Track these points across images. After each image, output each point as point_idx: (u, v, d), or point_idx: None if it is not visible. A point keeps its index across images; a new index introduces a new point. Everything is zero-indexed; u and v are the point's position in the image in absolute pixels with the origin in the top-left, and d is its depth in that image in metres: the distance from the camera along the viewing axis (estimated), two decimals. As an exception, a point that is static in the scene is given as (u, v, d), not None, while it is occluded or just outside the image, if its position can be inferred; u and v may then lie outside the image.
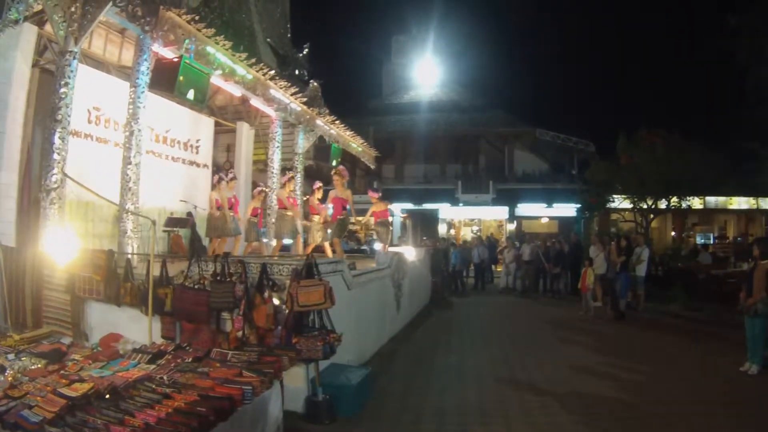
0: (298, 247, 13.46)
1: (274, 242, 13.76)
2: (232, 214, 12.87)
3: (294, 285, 6.97)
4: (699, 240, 35.58)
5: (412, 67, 47.23)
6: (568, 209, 36.10)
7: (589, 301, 16.58)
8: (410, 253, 15.78)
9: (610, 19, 66.72)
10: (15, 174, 9.69)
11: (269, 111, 14.82)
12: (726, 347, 11.51)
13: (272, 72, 12.92)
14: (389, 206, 14.45)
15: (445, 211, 38.57)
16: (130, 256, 8.61)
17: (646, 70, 62.35)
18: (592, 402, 8.05)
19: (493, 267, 27.07)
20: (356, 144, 20.44)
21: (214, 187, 13.06)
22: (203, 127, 16.20)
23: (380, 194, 14.21)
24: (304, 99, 15.21)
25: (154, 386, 5.35)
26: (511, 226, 37.69)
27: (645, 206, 27.52)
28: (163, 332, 7.59)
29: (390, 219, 15.22)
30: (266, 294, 7.10)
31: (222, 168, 17.13)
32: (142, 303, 7.63)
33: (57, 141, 8.31)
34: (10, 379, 5.41)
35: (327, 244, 12.54)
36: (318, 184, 13.49)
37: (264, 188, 14.27)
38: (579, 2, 71.21)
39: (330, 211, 12.57)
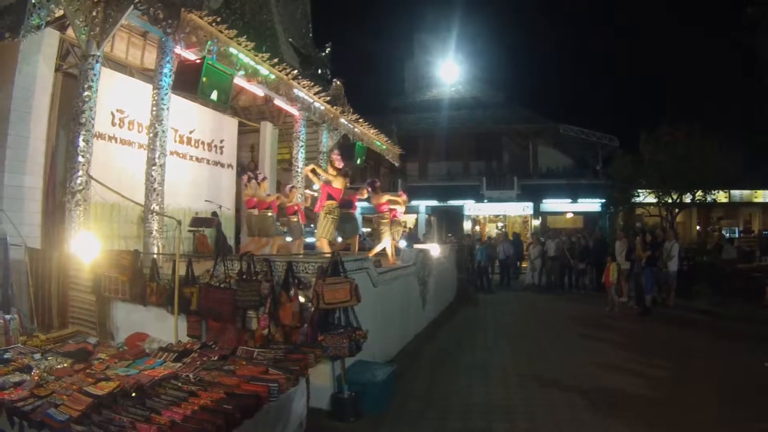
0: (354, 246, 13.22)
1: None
2: (270, 213, 12.88)
3: (320, 283, 6.97)
4: (724, 234, 35.34)
5: (434, 65, 47.20)
6: (592, 204, 36.04)
7: (613, 296, 16.45)
8: (435, 250, 15.75)
9: (631, 14, 66.17)
10: (39, 177, 9.80)
11: (293, 110, 14.89)
12: (751, 343, 11.38)
13: (295, 72, 12.98)
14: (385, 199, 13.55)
15: (469, 207, 38.57)
16: (155, 256, 8.67)
17: (669, 63, 61.81)
18: (618, 398, 7.97)
19: (517, 263, 26.91)
20: (380, 142, 20.46)
21: (245, 186, 13.04)
22: (227, 127, 16.27)
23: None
24: (328, 98, 15.27)
25: (180, 384, 5.39)
26: (536, 222, 37.62)
27: (670, 201, 27.37)
28: (188, 331, 7.63)
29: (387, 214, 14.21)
30: (292, 292, 7.11)
31: (248, 168, 17.22)
32: (167, 302, 7.69)
33: (81, 144, 8.39)
34: (36, 378, 5.45)
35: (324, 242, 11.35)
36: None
37: (295, 186, 14.34)
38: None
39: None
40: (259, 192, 12.61)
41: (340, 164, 10.92)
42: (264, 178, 13.11)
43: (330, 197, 10.85)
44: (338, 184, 10.81)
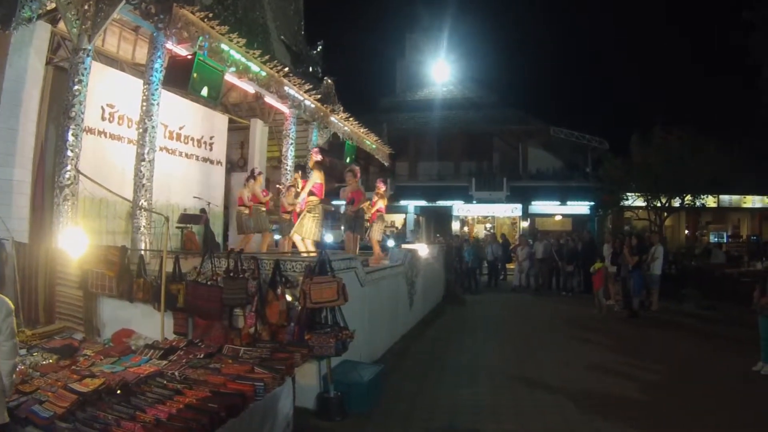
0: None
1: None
2: (263, 209, 12.86)
3: (307, 282, 6.96)
4: (712, 238, 35.50)
5: (426, 65, 47.15)
6: (581, 207, 36.20)
7: (601, 299, 16.52)
8: (423, 250, 15.75)
9: (624, 17, 66.40)
10: (28, 171, 9.71)
11: (283, 108, 14.85)
12: (739, 347, 11.42)
13: (286, 69, 12.96)
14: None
15: (458, 208, 38.63)
16: (143, 252, 8.65)
17: (659, 68, 62.02)
18: (606, 401, 8.00)
19: (505, 265, 26.94)
20: (370, 141, 20.45)
21: (245, 184, 12.99)
22: (217, 124, 16.21)
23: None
24: (318, 96, 15.25)
25: (165, 382, 5.38)
26: (525, 224, 37.72)
27: (659, 204, 27.47)
28: (175, 328, 7.61)
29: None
30: (279, 290, 7.11)
31: (237, 164, 17.23)
32: (154, 299, 7.67)
33: (70, 138, 8.35)
34: (21, 374, 5.42)
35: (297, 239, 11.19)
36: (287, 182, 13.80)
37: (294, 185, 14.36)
38: (593, 1, 70.87)
39: (343, 208, 12.45)
40: (255, 187, 12.63)
41: (317, 157, 10.70)
42: (259, 173, 13.12)
43: (311, 193, 10.64)
44: (317, 177, 10.61)
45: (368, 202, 12.76)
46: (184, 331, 7.58)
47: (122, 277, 7.92)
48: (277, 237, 14.54)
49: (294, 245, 11.15)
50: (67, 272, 8.34)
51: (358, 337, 7.51)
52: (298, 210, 11.33)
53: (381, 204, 13.10)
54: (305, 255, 9.72)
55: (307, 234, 10.53)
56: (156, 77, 9.40)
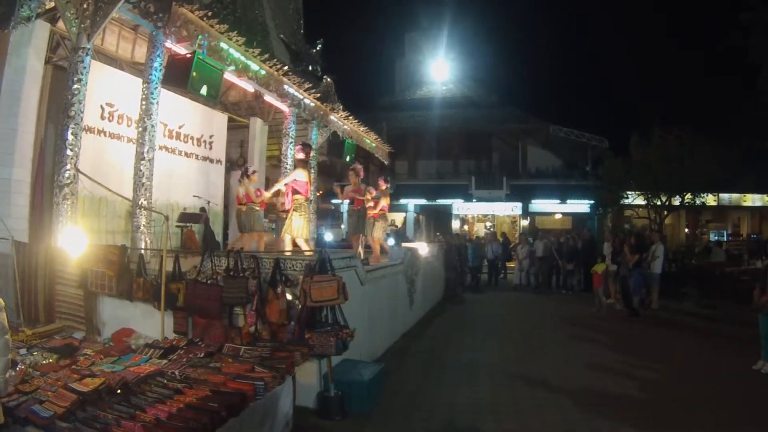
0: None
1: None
2: (257, 208, 12.78)
3: (307, 280, 6.94)
4: (712, 237, 35.50)
5: (425, 63, 47.12)
6: (581, 205, 36.15)
7: (601, 297, 16.51)
8: (423, 248, 15.74)
9: (624, 16, 66.35)
10: (27, 170, 9.68)
11: (283, 107, 14.82)
12: (739, 345, 11.41)
13: (285, 68, 12.92)
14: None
15: (458, 207, 38.62)
16: (143, 251, 8.62)
17: (659, 68, 61.98)
18: (606, 399, 8.00)
19: (505, 263, 26.90)
20: (370, 140, 20.41)
21: (240, 182, 12.93)
22: (216, 122, 16.18)
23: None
24: (318, 95, 15.21)
25: (165, 381, 5.37)
26: (525, 222, 37.70)
27: (659, 203, 27.46)
28: (175, 327, 7.59)
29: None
30: (279, 289, 7.09)
31: (236, 163, 17.19)
32: (154, 298, 7.65)
33: (70, 137, 8.31)
34: (21, 374, 5.41)
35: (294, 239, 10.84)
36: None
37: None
38: (592, 0, 70.80)
39: (346, 207, 12.43)
40: (249, 186, 12.56)
41: (300, 154, 10.56)
42: (253, 171, 13.05)
43: (295, 192, 10.48)
44: (300, 175, 10.44)
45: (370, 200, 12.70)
46: (184, 330, 7.57)
47: (122, 276, 7.90)
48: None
49: (295, 244, 11.07)
50: (67, 271, 8.32)
51: (358, 335, 7.50)
52: (278, 207, 11.30)
53: (384, 203, 13.07)
54: (291, 253, 9.67)
55: (297, 233, 10.45)
56: (155, 76, 9.37)
